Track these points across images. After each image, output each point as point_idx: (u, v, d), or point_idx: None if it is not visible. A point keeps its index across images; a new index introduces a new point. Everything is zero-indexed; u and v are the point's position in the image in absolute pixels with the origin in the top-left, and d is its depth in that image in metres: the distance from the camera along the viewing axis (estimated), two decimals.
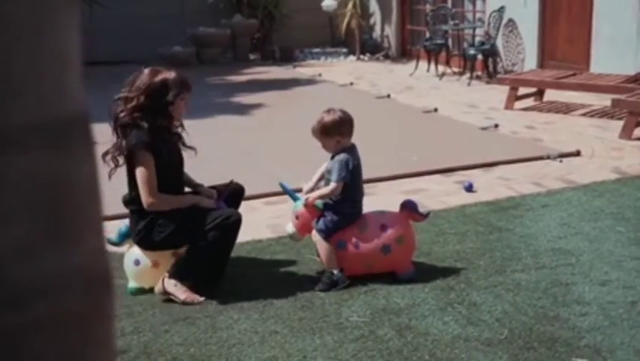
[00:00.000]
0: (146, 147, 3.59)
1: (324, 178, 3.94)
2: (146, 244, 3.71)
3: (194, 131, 7.78)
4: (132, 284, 3.83)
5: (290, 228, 3.89)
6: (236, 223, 3.66)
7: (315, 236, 3.80)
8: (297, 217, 3.87)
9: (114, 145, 3.70)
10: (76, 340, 0.87)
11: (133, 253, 3.80)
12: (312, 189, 3.92)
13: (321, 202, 3.82)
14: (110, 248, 3.99)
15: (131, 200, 3.70)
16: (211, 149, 6.99)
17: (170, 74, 3.72)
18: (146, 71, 3.72)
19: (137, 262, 3.79)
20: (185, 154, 3.96)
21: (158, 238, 3.65)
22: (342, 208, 3.84)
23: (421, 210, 4.09)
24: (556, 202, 5.11)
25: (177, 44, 13.36)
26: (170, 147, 3.76)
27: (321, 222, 3.81)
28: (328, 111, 3.89)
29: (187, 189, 3.98)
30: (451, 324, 3.39)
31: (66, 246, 0.83)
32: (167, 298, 3.68)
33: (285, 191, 3.97)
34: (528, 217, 4.82)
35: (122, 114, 3.66)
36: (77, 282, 0.86)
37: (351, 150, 3.91)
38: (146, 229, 3.66)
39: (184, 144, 3.92)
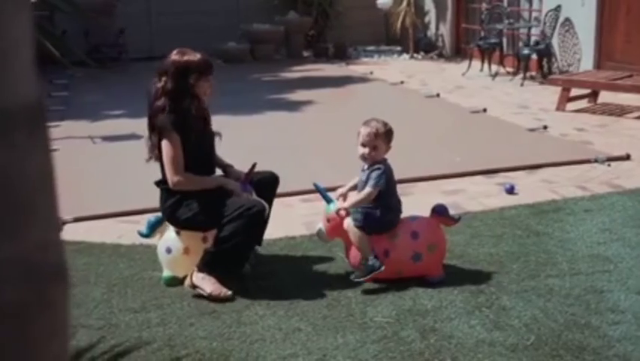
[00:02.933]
0: (173, 127, 3.67)
1: (357, 188, 3.92)
2: (172, 221, 3.79)
3: (242, 125, 7.99)
4: (166, 273, 3.89)
5: (319, 228, 3.89)
6: (258, 213, 3.68)
7: (349, 225, 3.76)
8: (328, 220, 3.84)
9: (151, 146, 3.82)
10: (16, 329, 0.89)
11: (164, 241, 3.87)
12: (345, 195, 3.89)
13: (353, 212, 3.79)
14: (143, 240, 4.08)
15: (161, 180, 3.79)
16: (256, 143, 7.06)
17: (195, 56, 3.78)
18: (172, 53, 3.81)
19: (168, 250, 3.85)
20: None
21: (184, 217, 3.72)
22: (374, 215, 3.80)
23: (452, 213, 4.02)
24: (599, 207, 4.98)
25: (232, 40, 13.50)
26: (198, 128, 3.80)
27: (358, 214, 3.78)
28: (379, 120, 3.86)
29: (218, 171, 4.03)
30: (477, 328, 3.34)
31: (3, 238, 0.85)
32: (197, 293, 3.72)
33: (319, 192, 3.94)
34: (568, 222, 4.70)
35: (153, 105, 3.75)
36: (16, 273, 0.87)
37: (387, 162, 3.88)
38: (173, 207, 3.74)
39: (208, 128, 3.94)
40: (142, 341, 3.29)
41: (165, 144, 3.69)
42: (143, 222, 4.55)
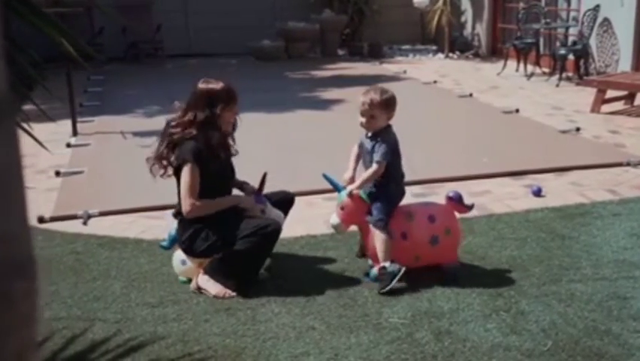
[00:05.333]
0: (194, 157, 3.68)
1: (360, 160, 3.90)
2: (189, 252, 3.82)
3: (272, 123, 8.01)
4: (181, 278, 3.93)
5: (334, 219, 3.84)
6: (273, 233, 3.69)
7: (374, 229, 3.74)
8: (341, 208, 3.81)
9: (156, 154, 3.84)
10: None
11: (180, 254, 3.90)
12: (352, 178, 3.87)
13: (364, 192, 3.77)
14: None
15: (180, 211, 3.80)
16: (284, 141, 7.08)
17: (218, 85, 3.80)
18: (198, 84, 3.83)
19: (183, 262, 3.90)
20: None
21: (200, 249, 3.74)
22: (387, 190, 3.80)
23: (467, 202, 4.00)
24: (628, 211, 4.87)
25: (267, 38, 13.54)
26: (220, 159, 3.81)
27: (375, 212, 3.76)
28: (381, 88, 3.87)
29: (236, 191, 4.06)
30: (493, 332, 3.29)
31: None
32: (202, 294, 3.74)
33: (329, 182, 3.91)
34: (595, 226, 4.61)
35: (174, 130, 3.77)
36: None
37: (391, 129, 3.85)
38: (190, 240, 3.76)
39: (229, 157, 3.96)
40: (156, 335, 3.31)
41: (184, 173, 3.69)
42: (166, 217, 4.61)
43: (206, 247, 3.73)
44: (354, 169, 3.92)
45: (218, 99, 3.75)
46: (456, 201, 3.92)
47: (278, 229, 3.72)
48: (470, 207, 3.99)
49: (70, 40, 2.24)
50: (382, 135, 3.78)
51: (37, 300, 1.04)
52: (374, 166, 3.74)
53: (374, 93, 3.79)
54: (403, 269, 3.71)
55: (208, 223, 3.73)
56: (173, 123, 3.81)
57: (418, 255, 3.84)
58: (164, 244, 4.03)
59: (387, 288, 3.67)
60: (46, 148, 2.64)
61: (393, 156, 3.79)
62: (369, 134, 3.83)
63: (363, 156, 3.88)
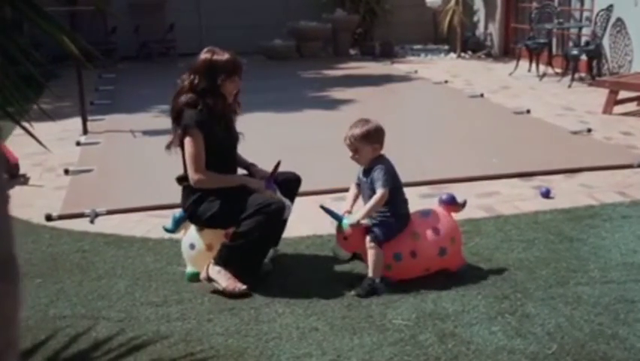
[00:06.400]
0: (197, 124, 3.69)
1: (358, 199, 3.90)
2: (193, 219, 3.81)
3: (281, 122, 8.00)
4: (189, 269, 3.91)
5: (337, 248, 3.87)
6: (277, 211, 3.67)
7: (370, 243, 3.71)
8: (345, 238, 3.77)
9: (174, 135, 3.81)
10: None
11: (188, 237, 3.89)
12: (350, 211, 3.84)
13: (367, 221, 3.75)
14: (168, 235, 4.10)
15: (184, 177, 3.81)
16: (292, 140, 7.06)
17: (223, 56, 3.80)
18: (203, 52, 3.83)
19: (192, 246, 3.87)
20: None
21: (205, 216, 3.74)
22: (395, 211, 3.78)
23: (459, 200, 4.01)
24: (639, 213, 4.81)
25: (278, 37, 13.53)
26: (222, 127, 3.81)
27: (377, 229, 3.73)
28: (366, 120, 3.82)
29: (241, 170, 4.04)
30: (498, 334, 3.26)
31: None
32: (215, 288, 3.72)
33: (328, 213, 3.84)
34: (604, 228, 4.56)
35: (177, 99, 3.76)
36: None
37: (384, 157, 3.83)
38: (195, 205, 3.75)
39: (231, 126, 3.94)
40: (159, 334, 3.31)
41: (188, 141, 3.71)
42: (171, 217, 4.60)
43: (210, 215, 3.71)
44: (352, 205, 3.90)
45: (221, 69, 3.76)
46: (449, 203, 3.94)
47: (282, 207, 3.70)
48: (463, 205, 4.00)
49: (72, 39, 2.24)
50: (376, 165, 3.75)
51: (18, 301, 1.03)
52: (379, 192, 3.70)
53: (354, 127, 3.79)
54: (383, 293, 3.68)
55: (214, 192, 3.73)
56: (176, 92, 3.83)
57: (428, 267, 3.85)
58: (168, 226, 3.93)
59: (360, 297, 3.64)
60: (46, 147, 2.63)
61: (392, 181, 3.75)
62: (364, 169, 3.82)
63: (363, 192, 3.85)
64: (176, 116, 3.79)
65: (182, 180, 3.85)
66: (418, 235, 3.81)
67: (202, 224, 3.80)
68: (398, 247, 3.77)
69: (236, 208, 3.66)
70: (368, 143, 3.75)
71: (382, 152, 3.84)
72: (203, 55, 3.84)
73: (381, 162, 3.78)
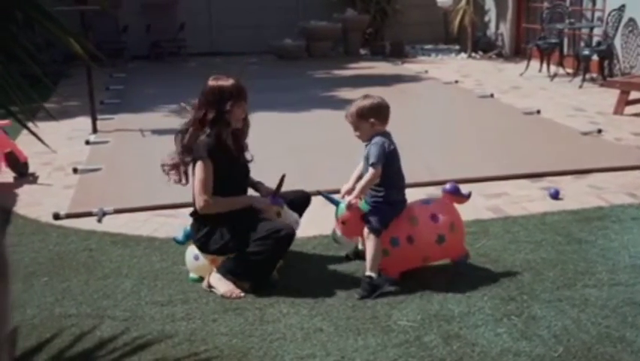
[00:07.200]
0: (208, 153, 3.70)
1: (362, 176, 3.87)
2: (204, 250, 3.82)
3: (289, 122, 7.99)
4: (192, 275, 3.93)
5: (336, 232, 3.85)
6: (286, 238, 3.68)
7: (368, 234, 3.73)
8: (343, 223, 3.78)
9: (172, 162, 3.90)
10: None
11: (193, 249, 3.90)
12: (350, 190, 3.84)
13: (364, 203, 3.75)
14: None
15: (195, 211, 3.82)
16: (301, 140, 7.06)
17: (227, 82, 3.80)
18: (208, 80, 3.84)
19: (196, 258, 3.90)
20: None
21: (214, 248, 3.76)
22: (388, 198, 3.76)
23: (464, 191, 3.96)
24: None
25: (289, 37, 13.53)
26: (232, 155, 3.81)
27: (372, 219, 3.73)
28: (366, 96, 3.85)
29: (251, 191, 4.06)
30: (503, 336, 3.24)
31: None
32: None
33: (326, 198, 3.87)
34: (613, 229, 4.53)
35: (185, 135, 3.81)
36: None
37: (386, 134, 3.81)
38: (205, 238, 3.77)
39: (243, 153, 3.95)
40: (164, 334, 3.31)
41: (198, 168, 3.72)
42: (179, 216, 4.62)
43: (221, 245, 3.74)
44: (354, 184, 3.89)
45: (228, 96, 3.76)
46: (453, 192, 3.89)
47: (291, 234, 3.71)
48: (468, 196, 3.95)
49: (77, 39, 2.24)
50: (376, 139, 3.74)
51: (7, 300, 1.02)
52: (370, 171, 3.70)
53: (352, 105, 3.81)
54: (391, 289, 3.67)
55: (223, 222, 3.74)
56: (183, 128, 3.85)
57: (427, 255, 3.82)
58: (179, 239, 4.01)
59: (364, 298, 3.63)
60: (49, 147, 2.63)
61: (391, 162, 3.74)
62: (365, 145, 3.83)
63: (364, 168, 3.86)
64: (187, 151, 3.81)
65: (194, 213, 3.86)
66: (416, 219, 3.79)
67: (212, 254, 3.81)
68: (395, 231, 3.75)
69: (246, 235, 3.68)
70: (364, 119, 3.76)
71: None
72: (210, 83, 3.83)
73: (382, 137, 3.76)
